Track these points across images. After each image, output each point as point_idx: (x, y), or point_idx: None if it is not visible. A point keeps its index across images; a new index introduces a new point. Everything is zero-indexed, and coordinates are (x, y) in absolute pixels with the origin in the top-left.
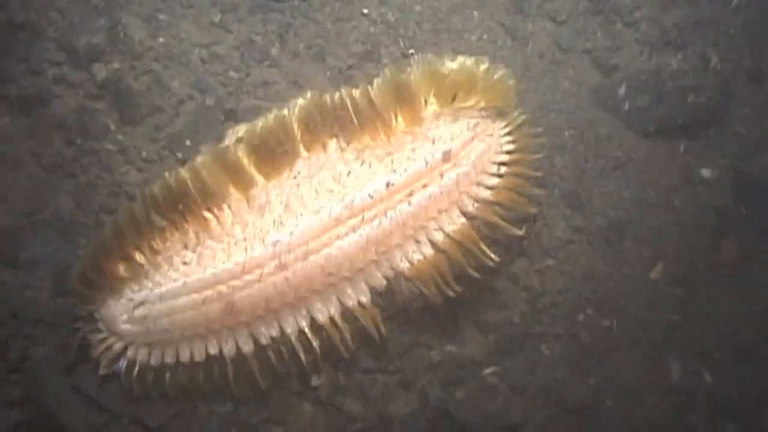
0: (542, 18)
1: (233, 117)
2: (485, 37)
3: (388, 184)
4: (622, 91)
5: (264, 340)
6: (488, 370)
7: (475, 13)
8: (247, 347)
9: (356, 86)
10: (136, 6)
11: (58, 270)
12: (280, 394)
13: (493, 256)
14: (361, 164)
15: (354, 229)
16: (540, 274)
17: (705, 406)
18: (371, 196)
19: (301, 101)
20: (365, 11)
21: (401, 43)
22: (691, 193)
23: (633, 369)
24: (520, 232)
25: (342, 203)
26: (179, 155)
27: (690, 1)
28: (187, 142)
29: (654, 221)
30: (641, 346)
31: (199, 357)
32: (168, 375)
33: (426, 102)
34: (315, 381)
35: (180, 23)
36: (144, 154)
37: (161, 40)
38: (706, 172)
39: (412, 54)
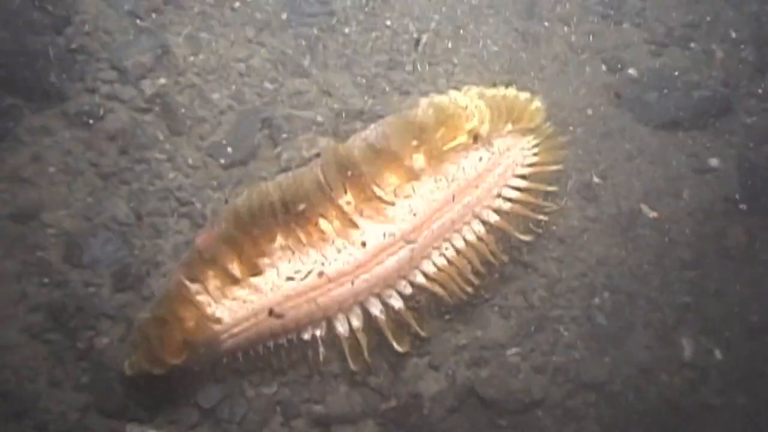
0: (554, 22)
1: (269, 124)
2: (500, 42)
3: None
4: (631, 87)
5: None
6: (511, 351)
7: (491, 20)
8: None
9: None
10: (178, 26)
11: (117, 268)
12: (320, 376)
13: (504, 258)
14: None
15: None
16: (557, 262)
17: (716, 381)
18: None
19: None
20: (388, 23)
21: (423, 51)
22: (700, 182)
23: (647, 347)
24: (529, 239)
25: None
26: (222, 161)
27: (694, 0)
28: (229, 149)
29: (665, 209)
30: (654, 326)
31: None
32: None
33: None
34: (350, 365)
35: (219, 40)
36: (190, 161)
37: (202, 56)
38: (714, 162)
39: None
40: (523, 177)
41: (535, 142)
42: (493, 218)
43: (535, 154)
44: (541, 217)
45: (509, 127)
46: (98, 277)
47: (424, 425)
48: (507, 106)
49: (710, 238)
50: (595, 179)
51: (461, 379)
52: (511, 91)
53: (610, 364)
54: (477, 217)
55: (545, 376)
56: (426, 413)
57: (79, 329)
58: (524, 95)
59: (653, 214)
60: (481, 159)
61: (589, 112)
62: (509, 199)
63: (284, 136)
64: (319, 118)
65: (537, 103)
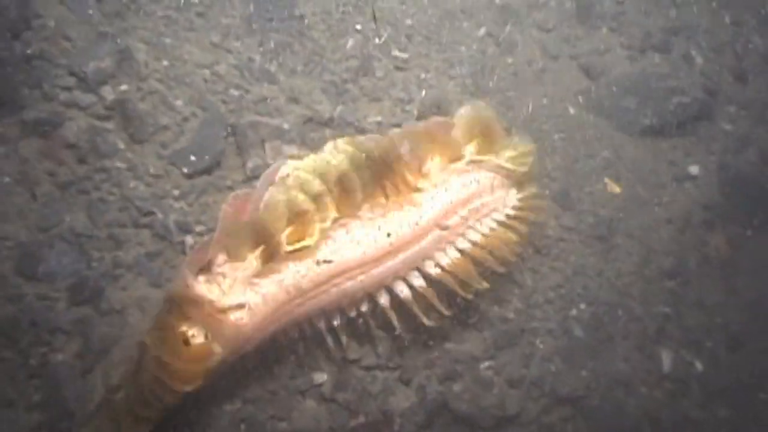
0: (530, 27)
1: (235, 132)
2: (475, 47)
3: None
4: (609, 94)
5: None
6: (485, 365)
7: (464, 24)
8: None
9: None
10: (141, 31)
11: (74, 281)
12: (285, 392)
13: (484, 284)
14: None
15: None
16: (532, 272)
17: (698, 394)
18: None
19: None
20: (358, 27)
21: (394, 55)
22: (680, 189)
23: (625, 360)
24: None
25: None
26: (185, 170)
27: (673, 5)
28: (192, 158)
29: (644, 218)
30: (633, 337)
31: None
32: None
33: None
34: (318, 378)
35: (183, 45)
36: (152, 170)
37: (165, 62)
38: (693, 169)
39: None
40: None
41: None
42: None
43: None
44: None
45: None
46: (54, 291)
47: None
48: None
49: (690, 247)
50: (572, 187)
51: (433, 394)
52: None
53: (587, 378)
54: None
55: (520, 390)
56: (396, 430)
57: (32, 345)
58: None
59: (617, 190)
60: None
61: (566, 119)
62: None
63: (250, 144)
64: (286, 126)
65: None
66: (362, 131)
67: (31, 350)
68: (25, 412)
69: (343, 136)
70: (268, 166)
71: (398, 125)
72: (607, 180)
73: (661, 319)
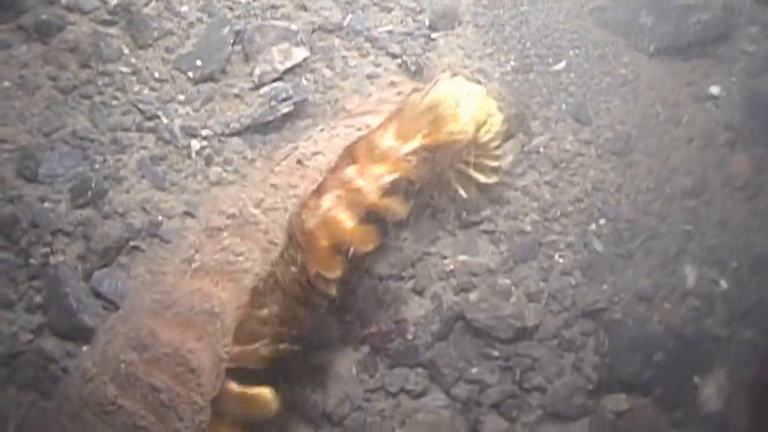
0: None
1: (241, 38)
2: None
3: None
4: (626, 11)
5: None
6: (502, 277)
7: None
8: None
9: None
10: None
11: (76, 183)
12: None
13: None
14: None
15: None
16: (550, 186)
17: (722, 312)
18: None
19: None
20: None
21: None
22: (700, 110)
23: (648, 276)
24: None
25: None
26: (190, 75)
27: None
28: (198, 62)
29: (663, 135)
30: (655, 255)
31: None
32: None
33: None
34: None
35: None
36: (156, 74)
37: None
38: (714, 89)
39: None
40: None
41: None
42: None
43: None
44: None
45: None
46: (55, 193)
47: (408, 352)
48: None
49: (712, 167)
50: (589, 101)
51: (448, 304)
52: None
53: (608, 292)
54: None
55: (539, 303)
56: (410, 338)
57: (32, 246)
58: None
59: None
60: None
61: (582, 35)
62: None
63: (257, 49)
64: (294, 27)
65: None
66: (373, 40)
67: (31, 250)
68: (26, 313)
69: (352, 44)
70: (276, 71)
71: (409, 35)
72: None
73: (682, 237)
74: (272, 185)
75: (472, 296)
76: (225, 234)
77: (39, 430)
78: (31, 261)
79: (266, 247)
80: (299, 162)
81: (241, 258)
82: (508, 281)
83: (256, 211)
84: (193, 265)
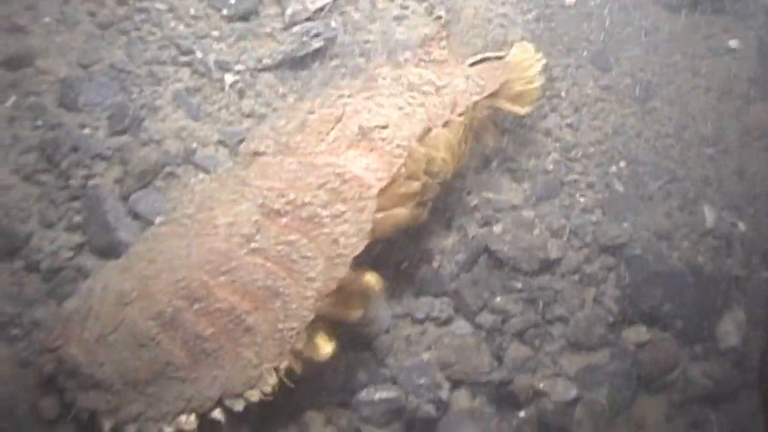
0: None
1: None
2: None
3: None
4: None
5: None
6: (525, 212)
7: None
8: None
9: None
10: None
11: (113, 111)
12: None
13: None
14: None
15: None
16: (571, 128)
17: (740, 253)
18: None
19: None
20: None
21: None
22: (719, 61)
23: (667, 215)
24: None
25: None
26: (224, 12)
27: None
28: (231, 1)
29: (682, 85)
30: (674, 197)
31: None
32: None
33: None
34: None
35: None
36: (192, 11)
37: None
38: (733, 43)
39: None
40: None
41: None
42: None
43: None
44: None
45: None
46: (94, 120)
47: (434, 280)
48: None
49: (731, 116)
50: (609, 50)
51: (473, 234)
52: None
53: (629, 229)
54: None
55: (561, 239)
56: (436, 267)
57: (72, 169)
58: None
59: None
60: None
61: None
62: None
63: None
64: None
65: None
66: None
67: (71, 173)
68: (66, 233)
69: None
70: (307, 11)
71: None
72: None
73: (701, 182)
74: (337, 173)
75: (496, 228)
76: (285, 221)
77: None
78: (71, 183)
79: (332, 258)
80: (362, 133)
81: (306, 267)
82: (531, 214)
83: (323, 213)
84: (253, 245)
